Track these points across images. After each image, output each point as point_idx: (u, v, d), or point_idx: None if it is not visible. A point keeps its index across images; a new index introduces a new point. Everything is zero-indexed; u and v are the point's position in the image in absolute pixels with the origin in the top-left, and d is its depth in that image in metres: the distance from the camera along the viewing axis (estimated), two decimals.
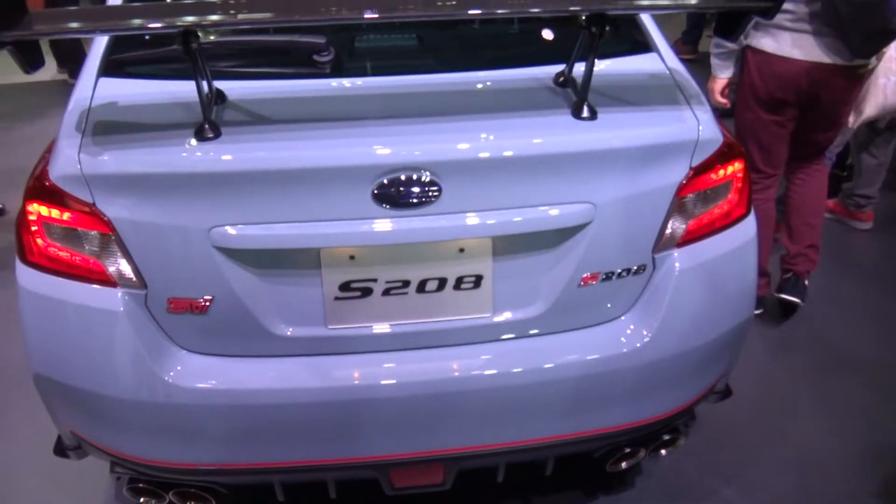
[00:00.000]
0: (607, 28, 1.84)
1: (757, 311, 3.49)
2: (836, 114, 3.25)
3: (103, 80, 2.06)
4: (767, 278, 3.65)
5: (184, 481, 2.15)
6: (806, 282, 3.65)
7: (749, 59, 3.21)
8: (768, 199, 3.43)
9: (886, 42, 3.02)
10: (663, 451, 2.43)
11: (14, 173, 3.73)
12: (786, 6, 3.01)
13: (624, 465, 2.40)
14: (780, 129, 3.29)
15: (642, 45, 2.29)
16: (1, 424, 3.03)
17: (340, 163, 1.82)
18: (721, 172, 2.07)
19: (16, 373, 3.02)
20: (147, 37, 2.21)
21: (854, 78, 3.13)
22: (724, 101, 3.37)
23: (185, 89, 1.88)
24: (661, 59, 2.23)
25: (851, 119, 3.48)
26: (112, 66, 2.10)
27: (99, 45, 2.15)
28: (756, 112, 3.26)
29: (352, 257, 1.93)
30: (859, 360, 3.40)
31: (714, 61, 3.30)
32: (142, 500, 2.26)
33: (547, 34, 2.38)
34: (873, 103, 3.41)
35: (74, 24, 1.74)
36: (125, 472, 2.17)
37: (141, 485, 2.20)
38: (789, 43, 3.08)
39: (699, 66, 5.83)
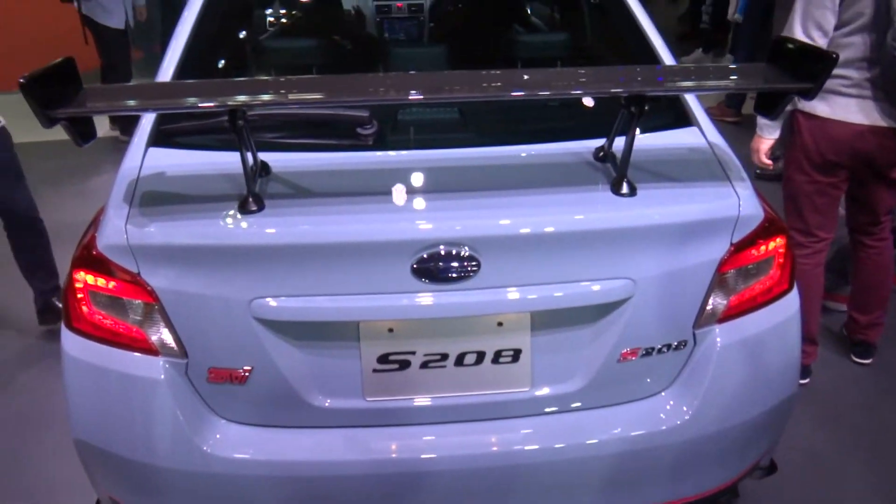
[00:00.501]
0: (646, 108, 1.85)
1: (803, 381, 3.43)
2: (891, 178, 3.21)
3: (152, 150, 2.11)
4: (815, 346, 3.59)
5: None
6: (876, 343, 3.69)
7: (801, 124, 3.20)
8: (818, 265, 3.39)
9: None
10: None
11: (62, 228, 3.82)
12: (839, 71, 3.01)
13: None
14: (835, 190, 3.27)
15: (682, 118, 2.29)
16: (42, 486, 3.05)
17: (381, 238, 1.84)
18: (762, 248, 2.05)
19: (59, 433, 3.06)
20: None
21: None
22: (768, 162, 3.35)
23: (231, 160, 1.92)
24: (702, 133, 2.23)
25: None
26: (161, 137, 2.15)
27: (149, 116, 2.21)
28: (810, 175, 3.24)
29: (390, 330, 1.94)
30: None
31: (761, 121, 3.29)
32: None
33: (587, 109, 2.39)
34: None
35: (127, 102, 1.80)
36: None
37: None
38: (844, 107, 3.07)
39: (743, 128, 5.82)
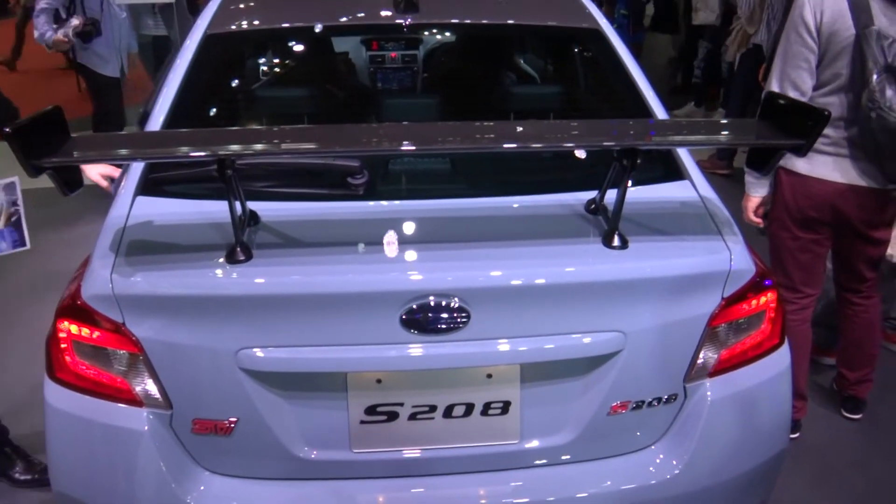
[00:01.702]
0: (638, 161, 1.85)
1: (793, 436, 3.40)
2: (873, 237, 3.22)
3: (140, 199, 2.10)
4: (805, 401, 3.57)
5: None
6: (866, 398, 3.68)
7: (783, 180, 3.22)
8: (805, 321, 3.38)
9: None
10: None
11: (51, 277, 3.78)
12: None
13: None
14: (818, 247, 3.28)
15: (674, 172, 2.30)
16: None
17: (370, 288, 1.83)
18: (754, 303, 2.05)
19: None
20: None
21: (887, 201, 3.12)
22: (757, 220, 3.36)
23: (219, 209, 1.91)
24: (694, 187, 2.23)
25: (893, 252, 3.44)
26: (149, 186, 2.14)
27: (137, 165, 2.20)
28: (792, 231, 3.25)
29: (378, 381, 1.92)
30: None
31: (748, 179, 3.30)
32: None
33: (579, 161, 2.40)
34: None
35: (115, 151, 1.80)
36: None
37: None
38: (823, 165, 3.09)
39: (733, 181, 5.83)
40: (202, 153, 1.74)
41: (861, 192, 3.06)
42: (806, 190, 3.14)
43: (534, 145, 1.90)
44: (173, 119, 2.36)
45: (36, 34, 5.86)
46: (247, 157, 1.83)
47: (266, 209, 2.02)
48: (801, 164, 3.12)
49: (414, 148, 1.77)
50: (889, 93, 2.85)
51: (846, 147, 3.03)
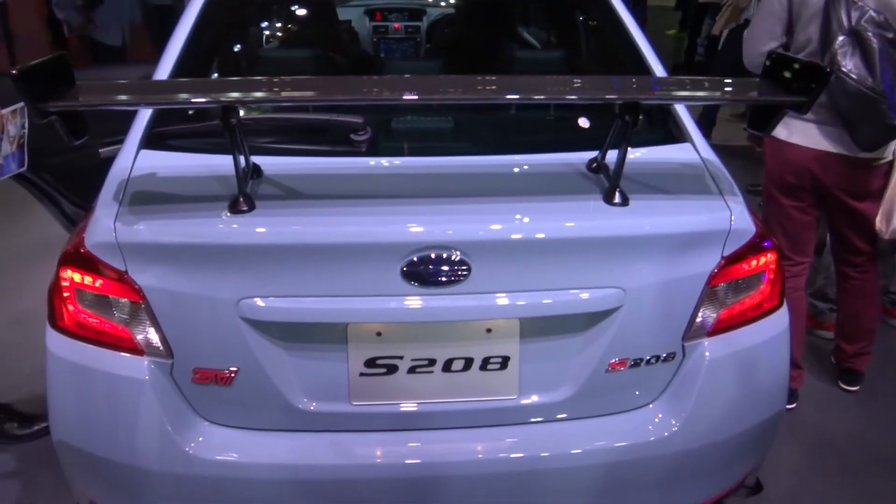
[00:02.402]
0: (641, 117, 1.85)
1: (790, 406, 3.42)
2: (858, 209, 3.22)
3: (144, 153, 2.10)
4: (801, 370, 3.59)
5: None
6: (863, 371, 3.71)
7: (767, 147, 3.27)
8: (798, 288, 3.40)
9: (889, 138, 3.01)
10: None
11: (51, 243, 3.79)
12: None
13: None
14: (802, 215, 3.29)
15: (676, 135, 2.30)
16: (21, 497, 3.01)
17: (371, 239, 1.83)
18: (753, 263, 2.05)
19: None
20: (190, 111, 2.26)
21: (867, 170, 3.11)
22: None
23: (223, 163, 1.92)
24: (695, 150, 2.24)
25: (883, 227, 3.43)
26: (153, 139, 2.15)
27: (141, 119, 2.20)
28: (777, 199, 3.28)
29: (378, 334, 1.92)
30: None
31: None
32: None
33: (581, 121, 2.40)
34: None
35: (120, 97, 1.79)
36: None
37: None
38: (799, 131, 3.12)
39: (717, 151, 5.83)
40: (206, 100, 1.75)
41: (835, 160, 3.09)
42: (784, 156, 3.18)
43: (535, 97, 1.89)
44: (177, 75, 2.36)
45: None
46: (249, 105, 1.83)
47: (269, 163, 2.03)
48: (780, 131, 3.15)
49: (416, 97, 1.77)
50: (850, 57, 2.87)
51: (819, 113, 3.04)
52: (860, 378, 3.70)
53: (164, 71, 2.38)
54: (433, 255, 1.83)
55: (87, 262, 1.89)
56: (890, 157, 3.13)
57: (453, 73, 2.77)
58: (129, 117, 2.22)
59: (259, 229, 1.82)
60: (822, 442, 3.39)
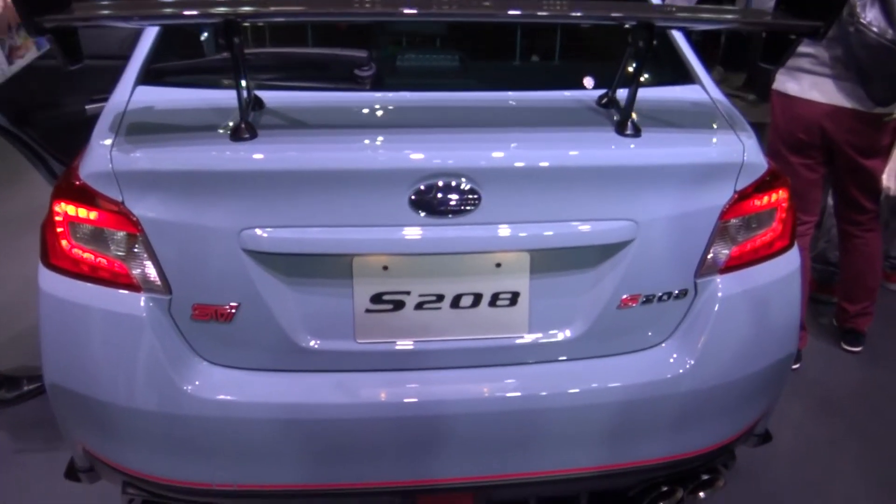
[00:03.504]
0: (654, 42, 1.80)
1: (794, 366, 3.39)
2: (866, 166, 3.19)
3: (141, 88, 2.04)
4: (805, 331, 3.56)
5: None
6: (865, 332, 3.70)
7: (775, 103, 3.23)
8: (802, 248, 3.36)
9: None
10: (702, 494, 2.30)
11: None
12: (807, 49, 3.02)
13: None
14: (810, 172, 3.26)
15: (685, 76, 2.26)
16: (14, 459, 2.95)
17: (377, 166, 1.77)
18: (765, 199, 2.01)
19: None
20: (189, 48, 2.19)
21: (878, 126, 3.09)
22: None
23: (222, 97, 1.87)
24: (705, 90, 2.20)
25: (891, 184, 3.41)
26: (150, 75, 2.08)
27: (138, 55, 2.14)
28: (784, 156, 3.24)
29: (385, 268, 1.86)
30: None
31: None
32: None
33: (591, 58, 2.35)
34: None
35: (118, 12, 1.73)
36: (137, 493, 2.07)
37: None
38: (810, 85, 3.09)
39: None
40: (198, 11, 1.67)
41: (848, 115, 3.05)
42: (795, 111, 3.15)
43: (540, 13, 1.81)
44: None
45: None
46: (242, 17, 1.71)
47: (272, 97, 1.96)
48: (790, 85, 3.12)
49: (414, 11, 1.70)
50: (869, 8, 2.83)
51: (833, 67, 3.02)
52: (862, 339, 3.69)
53: None
54: (441, 184, 1.77)
55: (81, 194, 1.82)
56: None
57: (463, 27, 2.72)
58: (117, 73, 2.14)
59: (261, 155, 1.75)
60: (824, 401, 3.38)
